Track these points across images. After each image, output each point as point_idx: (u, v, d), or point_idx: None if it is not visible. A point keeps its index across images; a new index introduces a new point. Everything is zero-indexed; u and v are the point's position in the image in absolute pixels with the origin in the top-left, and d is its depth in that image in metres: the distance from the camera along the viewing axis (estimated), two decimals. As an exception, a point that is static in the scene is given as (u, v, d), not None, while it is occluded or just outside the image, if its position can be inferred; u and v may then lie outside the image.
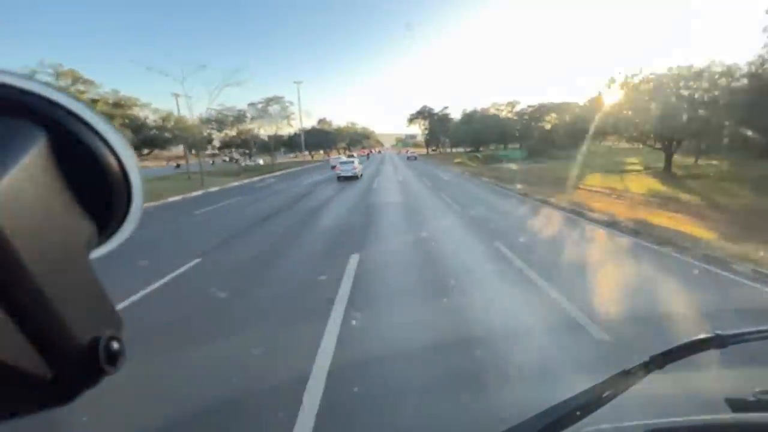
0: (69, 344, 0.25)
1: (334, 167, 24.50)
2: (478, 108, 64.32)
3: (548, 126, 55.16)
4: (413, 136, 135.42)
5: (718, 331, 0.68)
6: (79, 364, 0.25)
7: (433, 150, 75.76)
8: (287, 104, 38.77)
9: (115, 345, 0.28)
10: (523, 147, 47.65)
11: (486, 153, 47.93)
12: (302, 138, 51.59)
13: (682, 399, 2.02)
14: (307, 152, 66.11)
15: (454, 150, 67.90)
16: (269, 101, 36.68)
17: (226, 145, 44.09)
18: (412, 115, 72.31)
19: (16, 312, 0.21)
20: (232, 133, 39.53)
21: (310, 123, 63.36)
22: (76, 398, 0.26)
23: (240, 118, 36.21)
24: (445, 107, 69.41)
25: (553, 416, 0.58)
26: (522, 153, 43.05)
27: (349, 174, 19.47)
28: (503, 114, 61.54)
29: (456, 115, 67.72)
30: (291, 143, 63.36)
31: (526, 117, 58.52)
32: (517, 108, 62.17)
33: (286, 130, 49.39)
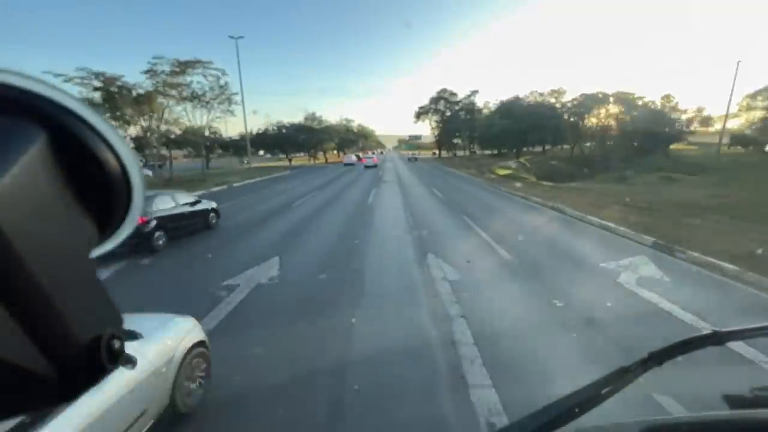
0: (71, 342, 0.24)
1: (346, 164, 40.33)
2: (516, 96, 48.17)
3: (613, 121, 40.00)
4: (418, 137, 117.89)
5: (716, 329, 0.69)
6: (81, 361, 0.25)
7: (453, 154, 59.34)
8: (219, 75, 22.78)
9: (116, 343, 0.27)
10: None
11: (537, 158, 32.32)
12: (247, 137, 34.96)
13: (680, 396, 1.93)
14: (284, 155, 50.19)
15: (485, 152, 52.22)
16: (184, 66, 20.61)
17: (139, 144, 28.25)
18: (421, 107, 54.72)
19: (19, 311, 0.21)
20: (146, 123, 23.81)
21: (296, 119, 48.64)
22: (78, 396, 0.25)
23: (112, 94, 18.71)
24: (474, 91, 51.31)
25: (552, 413, 0.58)
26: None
27: (371, 164, 35.28)
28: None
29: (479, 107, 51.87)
30: (269, 142, 48.27)
31: (573, 109, 43.52)
32: (565, 98, 46.81)
33: (256, 126, 33.82)
